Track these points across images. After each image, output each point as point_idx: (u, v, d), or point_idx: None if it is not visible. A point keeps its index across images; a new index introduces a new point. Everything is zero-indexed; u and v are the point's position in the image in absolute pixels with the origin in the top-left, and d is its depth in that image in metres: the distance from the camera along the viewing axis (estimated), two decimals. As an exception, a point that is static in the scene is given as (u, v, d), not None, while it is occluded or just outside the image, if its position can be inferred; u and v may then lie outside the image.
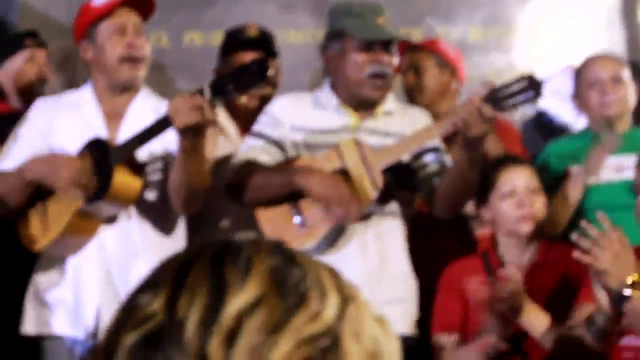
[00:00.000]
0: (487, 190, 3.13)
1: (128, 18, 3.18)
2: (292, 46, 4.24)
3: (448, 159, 3.21)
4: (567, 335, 2.82)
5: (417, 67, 3.71)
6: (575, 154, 3.46)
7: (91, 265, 3.10)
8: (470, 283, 3.08)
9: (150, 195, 3.16)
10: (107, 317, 3.00)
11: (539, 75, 2.96)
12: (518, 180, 3.10)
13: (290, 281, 0.88)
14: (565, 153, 3.49)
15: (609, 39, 4.31)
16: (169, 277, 0.88)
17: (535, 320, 2.89)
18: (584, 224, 2.60)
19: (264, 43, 3.60)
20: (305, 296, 0.87)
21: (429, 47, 3.77)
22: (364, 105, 3.17)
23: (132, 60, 3.15)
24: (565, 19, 4.30)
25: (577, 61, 4.10)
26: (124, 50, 3.14)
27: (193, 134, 2.84)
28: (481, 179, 3.16)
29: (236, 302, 0.85)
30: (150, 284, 0.89)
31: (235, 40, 3.64)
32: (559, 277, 3.06)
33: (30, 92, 3.59)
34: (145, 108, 3.21)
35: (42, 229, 3.12)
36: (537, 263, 3.08)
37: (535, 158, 3.53)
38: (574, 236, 2.57)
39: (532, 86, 2.92)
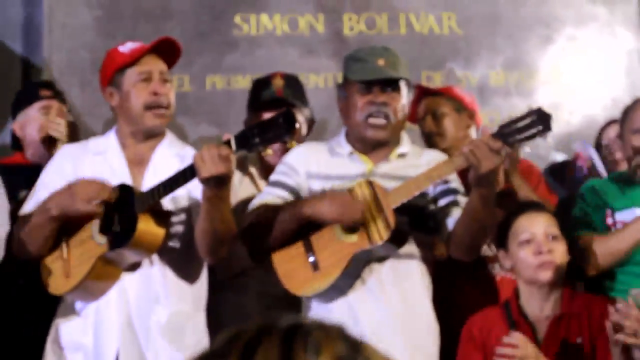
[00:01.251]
0: (506, 237, 3.10)
1: (154, 65, 3.20)
2: (314, 90, 4.26)
3: (463, 200, 3.18)
4: None
5: (436, 113, 3.73)
6: (607, 195, 3.44)
7: (112, 311, 3.09)
8: (494, 334, 3.03)
9: (174, 243, 3.16)
10: (127, 362, 2.99)
11: (548, 110, 2.94)
12: (536, 227, 3.06)
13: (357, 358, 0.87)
14: (602, 191, 3.46)
15: (630, 82, 4.30)
16: (236, 353, 0.87)
17: None
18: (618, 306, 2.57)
19: (290, 97, 3.61)
20: None
21: (446, 93, 3.78)
22: (374, 149, 3.18)
23: (156, 107, 3.17)
24: (585, 63, 4.31)
25: (597, 105, 4.11)
26: (149, 97, 3.16)
27: (218, 184, 2.84)
28: (500, 226, 3.13)
29: None
30: (217, 357, 0.88)
31: (261, 98, 3.65)
32: (584, 328, 3.00)
33: (47, 144, 3.60)
34: (169, 155, 3.22)
35: (64, 274, 3.12)
36: (562, 314, 3.03)
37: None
38: (612, 314, 2.53)
39: (541, 120, 2.90)
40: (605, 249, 3.28)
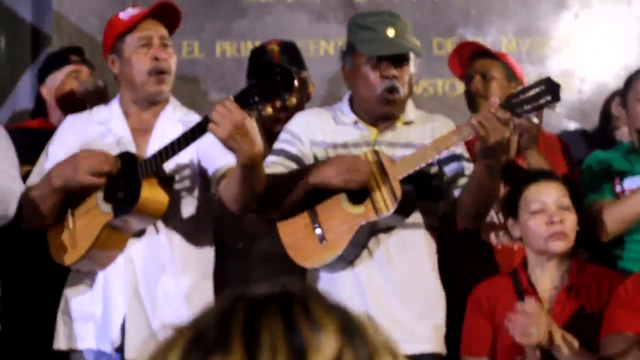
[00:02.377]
0: (515, 206, 3.07)
1: (154, 30, 3.17)
2: (323, 57, 4.23)
3: (469, 169, 3.16)
4: None
5: (486, 74, 3.66)
6: (614, 164, 3.42)
7: (119, 279, 3.10)
8: (501, 304, 3.01)
9: (181, 211, 3.16)
10: (133, 330, 3.01)
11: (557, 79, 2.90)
12: (548, 197, 3.02)
13: (358, 333, 0.89)
14: (605, 161, 3.45)
15: (642, 50, 4.26)
16: (238, 334, 0.87)
17: (564, 349, 2.82)
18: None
19: (286, 62, 3.60)
20: (375, 348, 0.90)
21: (501, 58, 3.73)
22: (380, 119, 3.15)
23: (158, 73, 3.15)
24: (598, 30, 4.26)
25: (609, 73, 4.08)
26: (150, 63, 3.14)
27: (243, 138, 2.75)
28: (509, 194, 3.10)
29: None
30: (217, 343, 0.87)
31: (258, 65, 3.64)
32: (593, 300, 2.98)
33: (72, 108, 3.61)
34: (173, 121, 3.21)
35: (71, 245, 3.13)
36: (570, 285, 3.01)
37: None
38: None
39: (550, 90, 2.86)
40: (615, 214, 3.27)
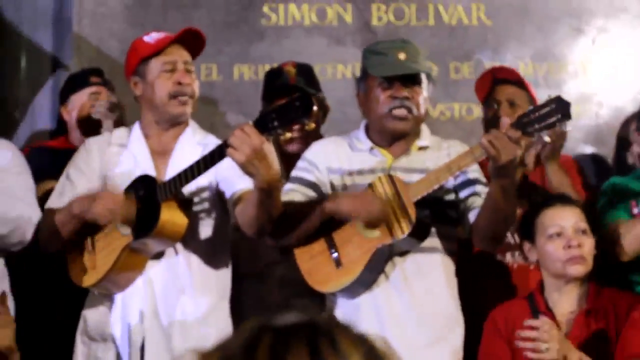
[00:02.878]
0: (532, 229, 3.07)
1: (178, 55, 3.20)
2: (341, 80, 4.26)
3: (484, 191, 3.16)
4: None
5: (514, 102, 3.68)
6: (631, 187, 3.43)
7: (138, 301, 3.12)
8: (519, 327, 3.00)
9: (199, 233, 3.18)
10: (152, 352, 3.02)
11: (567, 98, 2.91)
12: (565, 221, 3.02)
13: None
14: (622, 184, 3.45)
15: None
16: None
17: None
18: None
19: (303, 84, 3.63)
20: None
21: (521, 84, 3.75)
22: (396, 142, 3.17)
23: (180, 96, 3.18)
24: (615, 55, 4.27)
25: (626, 97, 4.08)
26: (173, 87, 3.17)
27: (260, 162, 2.76)
28: (526, 217, 3.10)
29: None
30: None
31: (274, 87, 3.67)
32: (611, 324, 2.97)
33: (92, 129, 3.64)
34: (192, 144, 3.24)
35: (90, 267, 3.15)
36: (589, 309, 3.00)
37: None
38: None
39: (560, 108, 2.87)
40: (633, 232, 3.27)
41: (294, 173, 3.22)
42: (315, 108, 2.77)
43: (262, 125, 2.80)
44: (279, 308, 3.45)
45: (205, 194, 3.19)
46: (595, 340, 2.94)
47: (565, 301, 3.02)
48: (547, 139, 2.96)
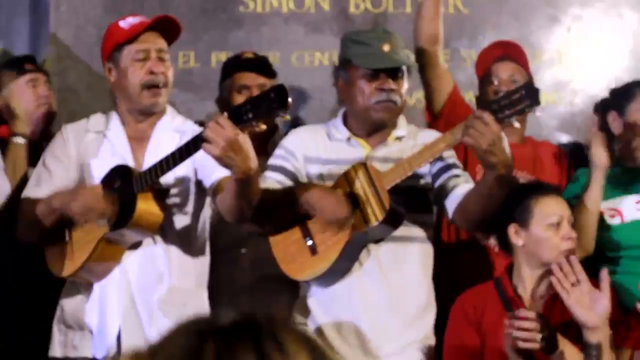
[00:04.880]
0: (526, 215, 3.05)
1: (152, 43, 3.17)
2: (318, 67, 4.27)
3: (466, 175, 3.18)
4: None
5: (515, 79, 3.65)
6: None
7: (115, 289, 3.13)
8: (488, 313, 3.03)
9: (177, 222, 3.19)
10: (129, 340, 3.04)
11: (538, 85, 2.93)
12: (564, 211, 3.05)
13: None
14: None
15: (635, 64, 4.30)
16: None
17: (568, 351, 2.82)
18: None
19: (261, 64, 3.67)
20: None
21: (522, 62, 3.75)
22: (374, 132, 3.18)
23: (153, 87, 3.16)
24: (590, 43, 4.30)
25: (601, 85, 4.11)
26: (145, 76, 3.15)
27: (237, 154, 2.77)
28: (514, 201, 3.09)
29: None
30: None
31: (232, 63, 3.75)
32: None
33: (32, 117, 3.62)
34: (170, 131, 3.24)
35: (67, 257, 3.16)
36: (555, 294, 3.01)
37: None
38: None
39: (529, 94, 2.89)
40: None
41: (272, 161, 3.23)
42: (290, 100, 2.77)
43: (237, 116, 2.79)
44: (251, 291, 3.48)
45: (183, 182, 3.20)
46: (563, 325, 2.98)
47: (533, 286, 3.05)
48: (516, 124, 2.98)
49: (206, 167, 3.08)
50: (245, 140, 2.78)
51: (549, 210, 3.04)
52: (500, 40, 3.97)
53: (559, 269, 2.86)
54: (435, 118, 3.60)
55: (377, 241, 3.10)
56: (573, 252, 3.02)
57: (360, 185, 3.04)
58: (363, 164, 3.09)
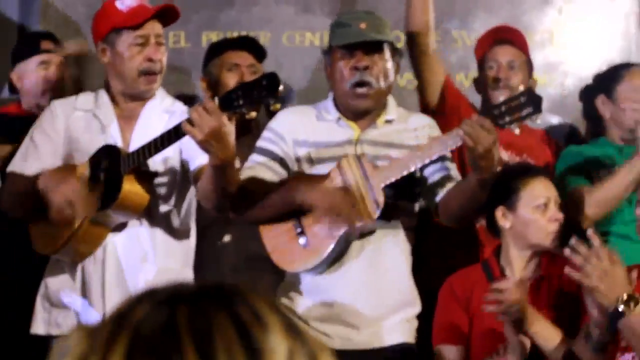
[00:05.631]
0: (513, 197, 3.06)
1: (151, 28, 3.15)
2: (309, 47, 4.26)
3: (454, 169, 3.19)
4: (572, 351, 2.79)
5: (513, 65, 3.65)
6: (589, 155, 3.48)
7: (99, 269, 3.13)
8: (476, 293, 3.04)
9: (164, 203, 3.18)
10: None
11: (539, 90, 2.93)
12: (551, 193, 3.06)
13: (300, 332, 0.89)
14: (581, 152, 3.50)
15: (626, 46, 4.30)
16: (189, 343, 0.84)
17: (545, 333, 2.83)
18: (573, 241, 2.58)
19: (251, 43, 3.66)
20: (315, 346, 0.89)
21: (521, 47, 3.73)
22: (361, 116, 3.17)
23: (150, 74, 3.15)
24: (582, 25, 4.30)
25: (592, 68, 4.11)
26: (143, 63, 3.14)
27: (218, 142, 2.79)
28: (502, 183, 3.10)
29: None
30: (168, 345, 0.84)
31: (222, 42, 3.76)
32: (564, 290, 3.02)
33: (44, 96, 3.61)
34: (159, 111, 3.23)
35: (51, 234, 3.16)
36: (542, 275, 3.05)
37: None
38: (567, 252, 2.57)
39: (532, 101, 2.90)
40: (596, 198, 3.32)
41: (260, 144, 3.21)
42: (281, 87, 2.76)
43: (227, 103, 2.79)
44: (235, 270, 3.47)
45: (170, 163, 3.19)
46: (549, 305, 2.99)
47: (523, 268, 3.06)
48: (517, 131, 2.99)
49: (190, 149, 3.07)
50: (229, 130, 2.78)
51: (536, 193, 3.05)
52: (500, 25, 3.96)
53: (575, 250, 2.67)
54: (433, 113, 3.53)
55: (366, 234, 3.10)
56: (559, 233, 3.01)
57: (354, 180, 3.03)
58: (357, 157, 3.08)
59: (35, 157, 3.21)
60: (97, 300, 3.12)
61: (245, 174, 3.14)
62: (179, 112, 3.11)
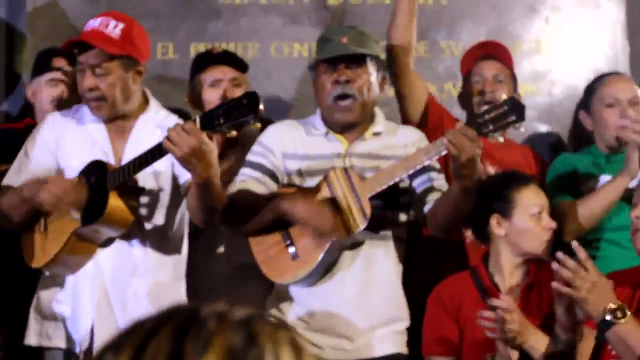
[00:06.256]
0: (507, 205, 3.07)
1: (84, 56, 3.15)
2: (297, 58, 4.26)
3: (442, 179, 3.19)
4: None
5: (499, 78, 3.67)
6: (579, 166, 3.50)
7: (88, 282, 3.13)
8: (465, 303, 3.04)
9: (154, 217, 3.18)
10: (101, 333, 3.04)
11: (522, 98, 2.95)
12: (543, 201, 3.08)
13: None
14: (572, 163, 3.53)
15: (613, 54, 4.32)
16: (133, 341, 0.92)
17: (539, 346, 2.83)
18: (561, 255, 2.59)
19: (232, 58, 3.66)
20: None
21: (506, 62, 3.76)
22: (348, 129, 3.18)
23: (92, 100, 3.15)
24: (568, 34, 4.31)
25: (579, 76, 4.13)
26: (85, 92, 3.15)
27: (199, 161, 2.80)
28: (494, 193, 3.10)
29: None
30: (115, 345, 0.92)
31: (203, 58, 3.74)
32: (552, 296, 3.03)
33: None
34: (152, 125, 3.23)
35: (40, 248, 3.16)
36: (532, 282, 3.06)
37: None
38: (555, 266, 2.58)
39: (515, 110, 2.91)
40: (582, 211, 3.34)
41: (250, 157, 3.22)
42: (262, 106, 2.77)
43: (208, 122, 2.81)
44: (226, 279, 3.46)
45: (162, 177, 3.20)
46: (538, 312, 3.00)
47: (512, 276, 3.07)
48: (501, 139, 3.00)
49: (180, 166, 3.07)
50: (209, 149, 2.80)
51: (531, 201, 3.07)
52: (485, 40, 3.98)
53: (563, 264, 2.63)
54: (417, 126, 3.53)
55: (354, 244, 3.10)
56: (551, 242, 3.03)
57: (342, 191, 3.05)
58: (345, 169, 3.08)
59: (28, 170, 3.21)
60: (86, 315, 3.12)
61: (235, 187, 3.15)
62: (172, 126, 3.11)
